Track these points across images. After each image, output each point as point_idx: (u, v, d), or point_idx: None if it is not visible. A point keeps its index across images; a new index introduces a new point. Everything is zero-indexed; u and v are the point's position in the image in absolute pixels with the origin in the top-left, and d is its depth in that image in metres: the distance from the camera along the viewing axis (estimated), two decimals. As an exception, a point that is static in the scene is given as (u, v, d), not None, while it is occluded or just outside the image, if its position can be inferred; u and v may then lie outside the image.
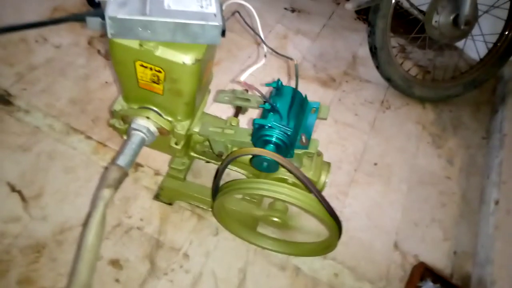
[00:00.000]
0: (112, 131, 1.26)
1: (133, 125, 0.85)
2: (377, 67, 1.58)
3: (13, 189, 1.10)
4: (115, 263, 1.04)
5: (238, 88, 1.00)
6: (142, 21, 0.68)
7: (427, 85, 1.65)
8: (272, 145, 0.77)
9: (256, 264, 1.11)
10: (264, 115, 0.80)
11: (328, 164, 0.98)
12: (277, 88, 0.81)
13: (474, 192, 1.41)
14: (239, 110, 1.01)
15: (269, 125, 0.76)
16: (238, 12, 0.79)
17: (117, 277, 1.02)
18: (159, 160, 1.25)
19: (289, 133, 0.77)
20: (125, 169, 0.79)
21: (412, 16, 1.72)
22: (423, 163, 1.46)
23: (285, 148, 0.78)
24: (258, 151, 0.76)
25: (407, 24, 1.74)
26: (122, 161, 0.80)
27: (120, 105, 0.89)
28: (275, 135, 0.77)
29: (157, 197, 1.17)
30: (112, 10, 0.67)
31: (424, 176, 1.42)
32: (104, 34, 1.54)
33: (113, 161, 0.81)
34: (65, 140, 1.23)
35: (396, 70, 1.58)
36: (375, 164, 1.42)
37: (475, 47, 1.62)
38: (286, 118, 0.77)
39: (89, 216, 0.73)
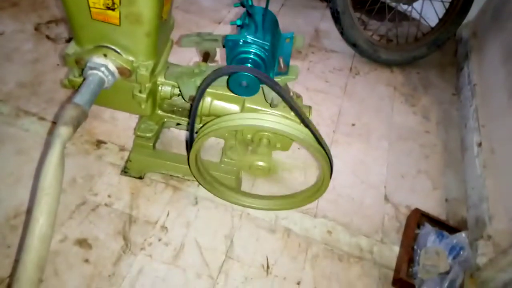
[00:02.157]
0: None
1: (89, 64, 0.75)
2: (341, 33, 1.56)
3: (-45, 175, 0.95)
4: (83, 242, 0.91)
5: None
6: None
7: (392, 49, 1.64)
8: (250, 62, 0.69)
9: (243, 229, 1.01)
10: (238, 32, 0.73)
11: (309, 107, 0.92)
12: (247, 5, 0.74)
13: (454, 143, 1.38)
14: (207, 56, 0.94)
15: (244, 39, 0.69)
16: None
17: (86, 257, 0.89)
18: (123, 136, 1.14)
19: (266, 47, 0.69)
20: (83, 107, 0.69)
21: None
22: (400, 120, 1.43)
23: (264, 66, 0.70)
24: (236, 68, 0.67)
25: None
26: (79, 99, 0.69)
27: (72, 48, 0.79)
28: (252, 51, 0.69)
29: (124, 171, 1.06)
30: None
31: (403, 132, 1.38)
32: (51, 20, 1.44)
33: (69, 101, 0.70)
34: (15, 123, 1.10)
35: (360, 34, 1.56)
36: (353, 124, 1.37)
37: (433, 7, 1.64)
38: (262, 32, 0.70)
39: (43, 156, 0.62)
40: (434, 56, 1.70)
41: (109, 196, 1.00)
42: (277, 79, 0.78)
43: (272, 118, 0.73)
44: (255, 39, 0.68)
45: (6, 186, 0.97)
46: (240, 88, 0.70)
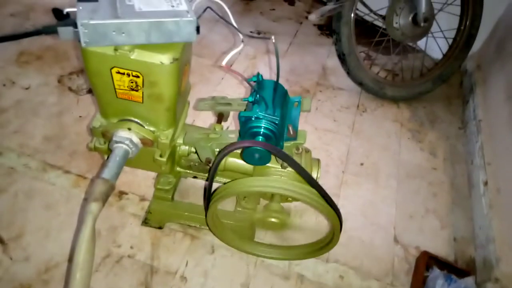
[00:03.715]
0: (91, 162, 1.23)
1: (115, 138, 0.82)
2: (348, 73, 1.62)
3: (-10, 232, 1.03)
4: (109, 295, 0.97)
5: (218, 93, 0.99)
6: (116, 24, 0.67)
7: (397, 85, 1.69)
8: (261, 137, 0.76)
9: (258, 277, 1.06)
10: (248, 108, 0.79)
11: (318, 160, 0.97)
12: (258, 82, 0.81)
13: (462, 179, 1.42)
14: (221, 117, 1.00)
15: (255, 116, 0.75)
16: (210, 8, 0.80)
17: (112, 310, 0.95)
18: (143, 186, 1.21)
19: (276, 122, 0.76)
20: (111, 181, 0.76)
21: (372, 22, 1.79)
22: (407, 158, 1.47)
23: (275, 138, 0.77)
24: (248, 142, 0.74)
25: (369, 33, 1.80)
26: (107, 174, 0.76)
27: (98, 121, 0.86)
28: (263, 125, 0.75)
29: (145, 222, 1.12)
30: (83, 16, 0.66)
31: (411, 170, 1.42)
32: (73, 71, 1.53)
33: (98, 175, 0.77)
34: (42, 177, 1.18)
35: (366, 73, 1.62)
36: (361, 164, 1.42)
37: (437, 44, 1.70)
38: (272, 108, 0.76)
39: (70, 259, 0.69)
40: (440, 89, 1.75)
41: (131, 247, 1.07)
42: (287, 144, 0.84)
43: (282, 184, 0.79)
44: (266, 115, 0.75)
45: (36, 241, 1.04)
46: (253, 159, 0.76)
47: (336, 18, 1.52)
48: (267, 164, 0.90)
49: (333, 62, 1.85)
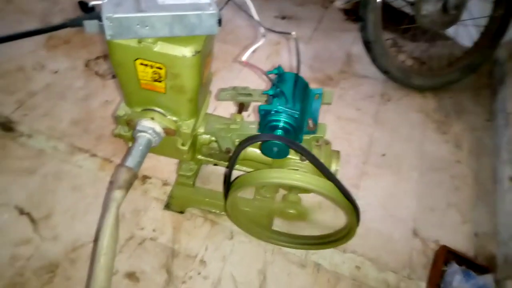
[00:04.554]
0: (117, 147, 1.26)
1: (138, 127, 0.84)
2: (373, 61, 1.59)
3: (21, 212, 1.08)
4: (131, 276, 1.01)
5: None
6: (140, 18, 0.68)
7: (424, 74, 1.65)
8: (280, 130, 0.76)
9: (275, 264, 1.08)
10: (269, 101, 0.80)
11: (338, 152, 0.97)
12: (279, 74, 0.81)
13: (486, 173, 1.39)
14: (242, 107, 1.01)
15: (275, 109, 0.76)
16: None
17: (134, 290, 0.99)
18: (166, 171, 1.24)
19: (296, 116, 0.76)
20: (134, 170, 0.78)
21: (400, 8, 1.74)
22: (431, 150, 1.44)
23: (294, 132, 0.77)
24: (266, 136, 0.75)
25: (396, 19, 1.75)
26: (130, 162, 0.79)
27: (123, 110, 0.88)
28: (282, 119, 0.76)
29: (167, 206, 1.16)
30: (108, 10, 0.67)
31: (433, 162, 1.40)
32: (100, 56, 1.57)
33: (122, 163, 0.80)
34: (70, 160, 1.23)
35: (392, 61, 1.59)
36: (383, 155, 1.40)
37: (467, 32, 1.64)
38: (292, 101, 0.77)
39: (102, 219, 0.72)
40: (468, 79, 1.69)
41: (154, 230, 1.11)
42: (307, 137, 0.85)
43: (299, 177, 0.79)
44: (286, 109, 0.75)
45: (64, 221, 1.09)
46: (272, 152, 0.77)
47: (362, 4, 1.49)
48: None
49: (358, 48, 1.81)
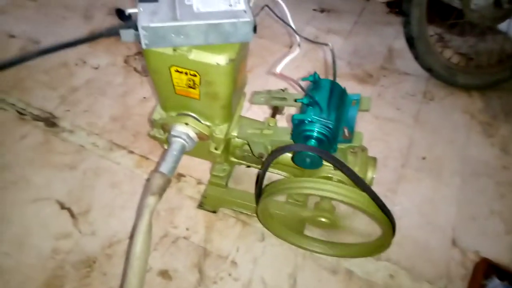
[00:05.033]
0: (153, 144, 1.29)
1: (173, 132, 0.85)
2: (416, 58, 1.52)
3: (62, 206, 1.13)
4: (164, 274, 1.04)
5: (274, 86, 0.98)
6: (175, 27, 0.68)
7: (471, 72, 1.56)
8: (313, 140, 0.74)
9: (306, 269, 1.07)
10: (303, 110, 0.78)
11: (374, 159, 0.94)
12: (314, 81, 0.79)
13: (536, 181, 1.30)
14: (276, 111, 1.00)
15: (309, 119, 0.74)
16: (267, 6, 0.78)
17: (167, 288, 1.02)
18: (200, 170, 1.25)
19: (330, 126, 0.74)
20: (168, 176, 0.79)
21: (448, 2, 1.64)
22: (475, 154, 1.37)
23: (328, 142, 0.75)
24: (299, 146, 0.73)
25: (443, 11, 1.65)
26: (164, 168, 0.80)
27: (158, 114, 0.89)
28: (316, 129, 0.74)
29: (201, 205, 1.17)
30: (144, 19, 0.67)
31: (477, 167, 1.33)
32: (138, 52, 1.59)
33: (156, 169, 0.81)
34: (109, 156, 1.26)
35: (436, 59, 1.51)
36: (423, 158, 1.35)
37: (521, 27, 1.52)
38: (326, 111, 0.74)
39: (135, 225, 0.73)
40: (520, 77, 1.58)
41: (187, 229, 1.12)
42: (341, 146, 0.82)
43: (333, 188, 0.77)
44: (320, 119, 0.73)
45: (101, 217, 1.13)
46: (304, 163, 0.76)
47: (407, -1, 1.42)
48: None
49: (401, 43, 1.73)
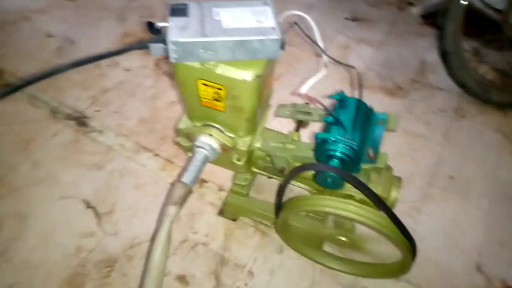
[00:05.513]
0: (178, 149, 1.30)
1: (196, 143, 0.86)
2: (449, 73, 1.48)
3: (88, 205, 1.16)
4: (182, 279, 1.05)
5: (299, 101, 0.98)
6: (203, 43, 0.69)
7: (507, 89, 1.50)
8: (336, 160, 0.74)
9: (322, 284, 1.06)
10: (327, 129, 0.77)
11: (399, 179, 0.92)
12: (340, 100, 0.78)
13: None
14: (300, 124, 0.99)
15: (333, 138, 0.73)
16: (296, 23, 0.78)
17: (183, 293, 1.03)
18: (222, 176, 1.26)
19: (354, 147, 0.73)
20: (189, 186, 0.80)
21: (486, 16, 1.58)
22: (506, 176, 1.32)
23: (351, 163, 0.74)
24: (321, 166, 0.72)
25: (480, 25, 1.60)
26: (186, 178, 0.81)
27: (184, 123, 0.91)
28: (339, 149, 0.73)
29: (221, 213, 1.18)
30: (173, 34, 0.68)
31: (508, 190, 1.28)
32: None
33: (178, 178, 0.82)
34: (135, 158, 1.29)
35: (470, 75, 1.46)
36: (451, 177, 1.31)
37: None
38: (351, 131, 0.73)
39: (156, 232, 0.75)
40: (560, 97, 1.51)
41: (206, 235, 1.14)
42: (365, 166, 0.81)
43: (353, 209, 0.76)
44: (344, 139, 0.72)
45: (124, 218, 1.15)
46: (326, 182, 0.75)
47: (442, 12, 1.38)
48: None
49: (434, 56, 1.69)
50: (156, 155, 1.30)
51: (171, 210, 0.76)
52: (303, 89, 0.71)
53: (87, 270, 1.05)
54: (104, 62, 1.55)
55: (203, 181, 1.25)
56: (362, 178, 0.82)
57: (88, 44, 1.61)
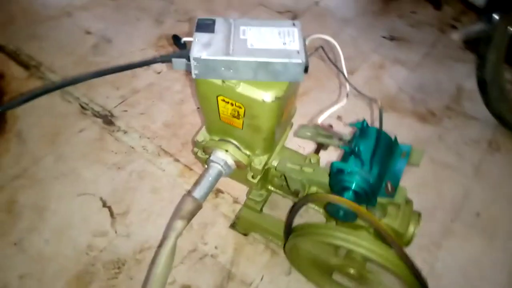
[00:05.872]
0: (197, 156, 1.30)
1: (212, 157, 0.85)
2: (486, 103, 1.41)
3: (104, 204, 1.18)
4: (187, 289, 1.05)
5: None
6: (225, 61, 0.68)
7: (549, 126, 1.42)
8: (351, 193, 0.71)
9: (329, 312, 1.03)
10: (344, 158, 0.75)
11: (418, 214, 0.88)
12: (362, 129, 0.75)
13: None
14: (320, 147, 0.97)
15: (349, 170, 0.70)
16: (322, 48, 0.76)
17: (187, 304, 1.03)
18: (239, 188, 1.24)
19: (371, 181, 0.70)
20: (199, 201, 0.80)
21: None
22: (539, 219, 1.24)
23: (366, 197, 0.71)
24: (334, 198, 0.70)
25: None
26: (197, 193, 0.81)
27: (203, 136, 0.90)
28: (354, 182, 0.70)
29: (233, 226, 1.17)
30: (197, 51, 0.68)
31: (539, 235, 1.20)
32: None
33: (190, 191, 0.82)
34: (156, 161, 1.30)
35: (509, 107, 1.39)
36: (477, 214, 1.24)
37: None
38: (369, 164, 0.70)
39: (160, 245, 0.74)
40: None
41: (216, 247, 1.13)
42: (382, 200, 0.78)
43: (365, 244, 0.73)
44: (360, 172, 0.69)
45: (138, 221, 1.16)
46: (338, 214, 0.72)
47: (484, 41, 1.32)
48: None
49: (472, 83, 1.60)
50: (176, 160, 1.31)
51: (178, 224, 0.76)
52: (320, 119, 0.69)
53: (96, 269, 1.06)
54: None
55: (219, 191, 1.25)
56: (378, 212, 0.79)
57: (124, 44, 1.65)
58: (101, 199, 1.19)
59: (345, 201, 0.69)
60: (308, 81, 1.54)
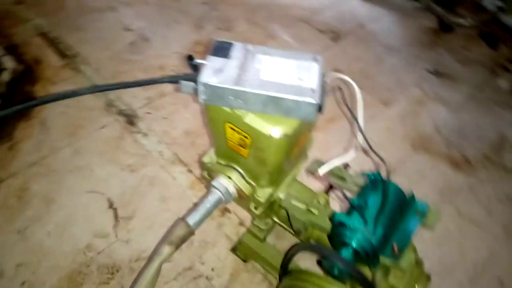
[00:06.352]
0: (210, 171, 1.27)
1: (214, 183, 0.82)
2: (529, 160, 1.29)
3: (111, 205, 1.18)
4: (175, 308, 1.02)
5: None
6: (234, 91, 0.64)
7: None
8: (350, 250, 0.65)
9: None
10: (349, 211, 0.68)
11: (428, 277, 0.80)
12: (373, 182, 0.69)
13: None
14: (331, 187, 0.91)
15: (351, 226, 0.64)
16: (341, 89, 0.70)
17: (172, 324, 1.00)
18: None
19: (373, 242, 0.63)
20: (192, 228, 0.76)
21: None
22: None
23: (366, 257, 0.65)
24: (331, 253, 0.64)
25: None
26: (191, 219, 0.77)
27: (209, 158, 0.87)
28: (356, 239, 0.64)
29: (234, 250, 1.13)
30: (206, 76, 0.65)
31: None
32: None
33: (184, 215, 0.79)
34: (169, 169, 1.28)
35: (555, 169, 1.26)
36: (500, 280, 1.13)
37: None
38: (372, 224, 0.64)
39: (143, 268, 0.71)
40: None
41: (212, 269, 1.09)
42: (386, 261, 0.71)
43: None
44: (364, 230, 0.63)
45: (140, 228, 1.14)
46: (332, 270, 0.66)
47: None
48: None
49: (518, 135, 1.50)
50: (189, 171, 1.29)
51: (165, 249, 0.72)
52: (321, 171, 0.63)
53: (89, 271, 1.05)
54: (169, 67, 1.58)
55: (226, 210, 1.21)
56: (379, 272, 0.72)
57: (160, 45, 1.65)
58: (108, 199, 1.18)
59: (342, 260, 0.63)
60: (337, 109, 1.48)
